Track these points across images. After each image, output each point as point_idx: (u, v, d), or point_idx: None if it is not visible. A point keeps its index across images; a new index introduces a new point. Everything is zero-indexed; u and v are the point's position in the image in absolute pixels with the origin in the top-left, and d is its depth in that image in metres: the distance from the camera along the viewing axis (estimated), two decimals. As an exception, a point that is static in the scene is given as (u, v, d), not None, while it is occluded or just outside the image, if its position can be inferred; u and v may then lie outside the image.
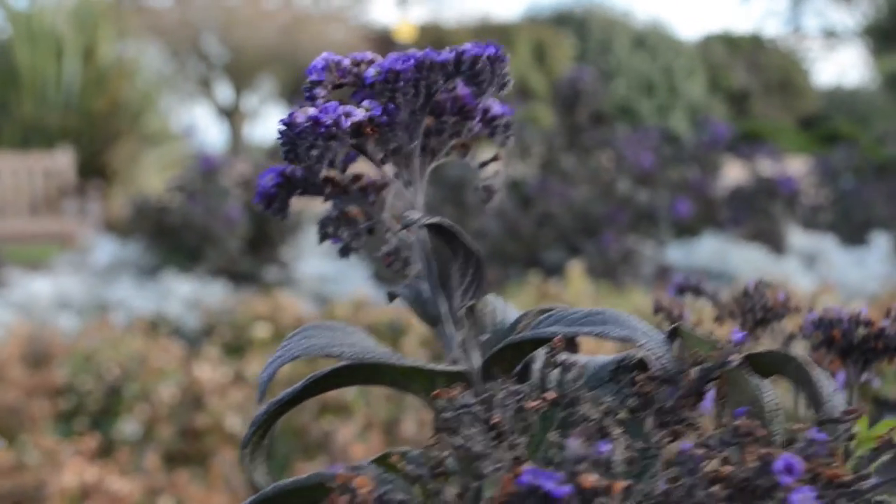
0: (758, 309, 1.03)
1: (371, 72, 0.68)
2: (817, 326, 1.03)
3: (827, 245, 8.08)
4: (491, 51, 0.69)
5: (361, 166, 0.73)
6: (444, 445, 0.55)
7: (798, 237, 8.14)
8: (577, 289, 5.54)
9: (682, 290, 1.19)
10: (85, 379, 3.77)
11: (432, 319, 0.71)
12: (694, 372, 0.61)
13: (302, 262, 6.67)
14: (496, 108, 0.73)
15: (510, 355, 0.67)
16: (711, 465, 0.55)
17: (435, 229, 0.69)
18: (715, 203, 8.18)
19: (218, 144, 21.43)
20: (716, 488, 0.53)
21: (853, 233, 8.90)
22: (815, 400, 0.65)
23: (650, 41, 26.10)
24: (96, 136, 11.81)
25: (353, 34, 22.88)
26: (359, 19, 25.25)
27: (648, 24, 27.03)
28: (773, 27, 57.17)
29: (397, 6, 22.30)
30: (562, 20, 26.01)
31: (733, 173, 9.32)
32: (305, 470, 2.11)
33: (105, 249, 6.96)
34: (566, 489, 0.47)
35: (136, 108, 12.37)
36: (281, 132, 0.67)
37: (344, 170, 0.71)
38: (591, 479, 0.48)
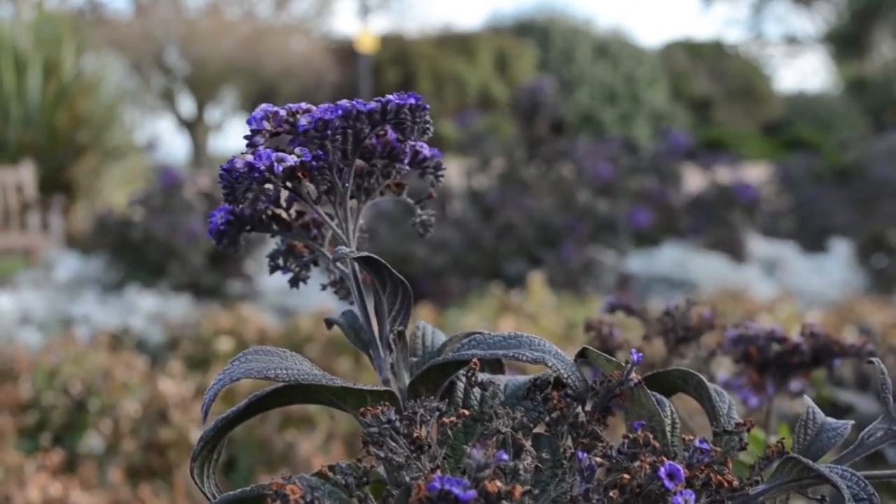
0: (679, 328, 1.10)
1: (303, 121, 0.74)
2: (735, 343, 1.10)
3: (787, 252, 8.18)
4: (412, 101, 0.76)
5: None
6: (371, 457, 0.61)
7: (758, 245, 8.24)
8: (538, 299, 5.60)
9: (613, 308, 1.25)
10: (49, 394, 3.78)
11: (364, 344, 0.77)
12: (599, 390, 0.67)
13: (265, 276, 6.70)
14: (425, 151, 0.79)
15: (435, 376, 0.74)
16: (613, 474, 0.61)
17: (364, 262, 0.75)
18: (675, 212, 8.26)
19: (181, 157, 21.41)
20: (614, 494, 0.59)
21: (813, 240, 9.01)
22: (711, 414, 0.71)
23: (612, 49, 26.26)
24: (59, 150, 11.77)
25: (314, 45, 22.93)
26: (321, 30, 25.29)
27: (610, 32, 27.19)
28: (734, 34, 57.61)
29: (359, 17, 22.34)
30: (524, 29, 26.14)
31: (694, 182, 9.42)
32: (269, 481, 2.16)
33: (68, 265, 6.97)
34: (471, 494, 0.53)
35: (99, 123, 12.33)
36: (221, 176, 0.74)
37: (289, 208, 0.77)
38: (494, 484, 0.54)
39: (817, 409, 0.73)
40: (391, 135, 0.76)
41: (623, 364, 0.69)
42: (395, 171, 0.78)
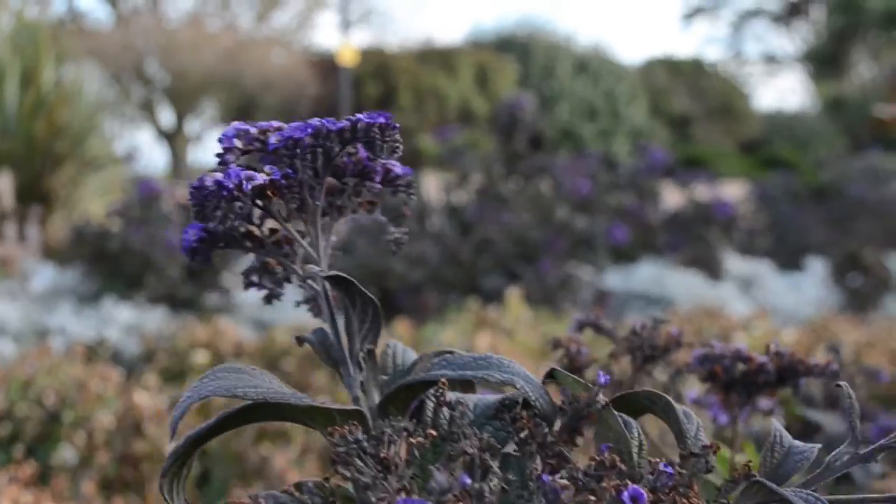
0: (646, 347, 1.10)
1: (273, 139, 0.75)
2: (701, 362, 1.11)
3: (763, 270, 8.22)
4: (381, 120, 0.76)
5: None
6: (338, 476, 0.61)
7: (735, 262, 8.27)
8: (515, 315, 5.60)
9: (582, 326, 1.26)
10: (22, 405, 3.76)
11: (335, 362, 0.78)
12: (568, 411, 0.68)
13: (242, 289, 6.66)
14: (397, 169, 0.80)
15: (404, 395, 0.74)
16: (580, 496, 0.61)
17: (335, 281, 0.75)
18: (653, 229, 8.29)
19: (160, 168, 21.36)
20: (579, 515, 0.59)
21: (789, 258, 9.06)
22: (679, 436, 0.72)
23: (593, 66, 26.34)
24: (36, 160, 11.72)
25: (295, 58, 22.92)
26: (301, 43, 25.30)
27: (591, 49, 27.29)
28: (714, 52, 57.85)
29: (340, 30, 22.36)
30: (505, 45, 26.20)
31: (672, 199, 9.46)
32: (243, 496, 2.16)
33: (43, 276, 6.94)
34: (435, 515, 0.53)
35: (78, 133, 12.29)
36: (191, 194, 0.74)
37: (262, 225, 0.78)
38: (459, 506, 0.54)
39: (784, 433, 0.74)
40: (362, 153, 0.77)
41: (591, 385, 0.70)
42: (367, 190, 0.78)
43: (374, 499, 0.58)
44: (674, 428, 0.72)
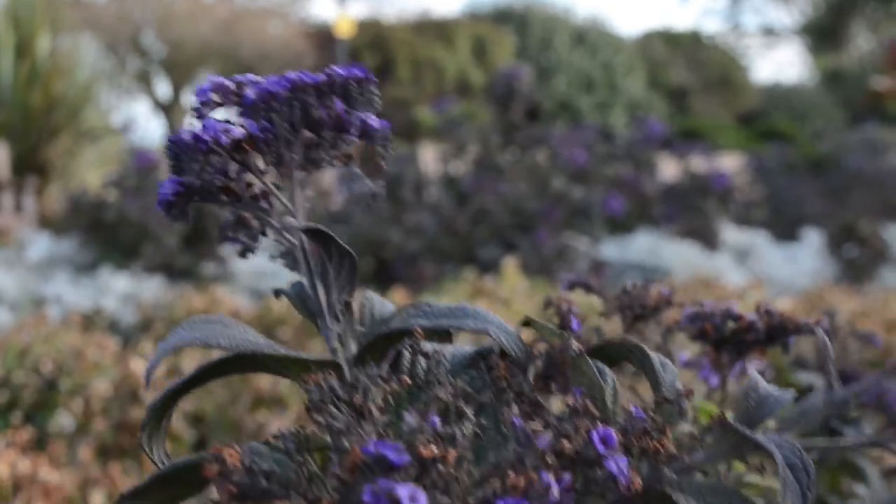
0: (636, 305, 1.11)
1: (250, 93, 0.75)
2: (692, 320, 1.12)
3: (759, 241, 8.23)
4: (358, 73, 0.77)
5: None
6: (313, 424, 0.62)
7: (731, 233, 8.28)
8: (511, 285, 5.61)
9: (572, 286, 1.26)
10: (19, 373, 3.77)
11: (312, 314, 0.79)
12: (541, 359, 0.69)
13: (239, 258, 6.67)
14: (373, 122, 0.80)
15: (381, 346, 0.75)
16: (553, 441, 0.62)
17: (311, 233, 0.76)
18: (649, 200, 8.30)
19: (157, 140, 21.32)
20: (550, 459, 0.60)
21: (786, 229, 9.07)
22: (654, 383, 0.72)
23: (590, 38, 26.25)
24: (32, 131, 11.70)
25: (292, 29, 22.85)
26: (298, 14, 25.20)
27: (588, 21, 27.19)
28: (712, 24, 57.72)
29: (337, 2, 22.26)
30: (502, 16, 26.11)
31: (669, 171, 9.45)
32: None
33: (40, 245, 6.94)
34: (405, 458, 0.54)
35: (74, 104, 12.27)
36: (167, 147, 0.75)
37: (238, 179, 0.78)
38: (430, 449, 0.55)
39: (760, 380, 0.75)
40: (339, 107, 0.77)
41: (565, 333, 0.70)
42: (344, 143, 0.79)
43: (347, 444, 0.59)
44: (649, 376, 0.73)
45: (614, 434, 0.58)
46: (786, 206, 9.51)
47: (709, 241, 7.81)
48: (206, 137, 0.73)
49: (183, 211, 0.79)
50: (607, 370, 0.72)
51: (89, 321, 5.13)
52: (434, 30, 24.10)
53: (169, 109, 23.61)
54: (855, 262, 7.45)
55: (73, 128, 12.28)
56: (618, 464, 0.58)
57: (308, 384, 0.62)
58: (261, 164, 0.76)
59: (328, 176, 9.82)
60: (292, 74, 0.75)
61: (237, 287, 6.31)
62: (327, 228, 0.74)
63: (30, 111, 11.77)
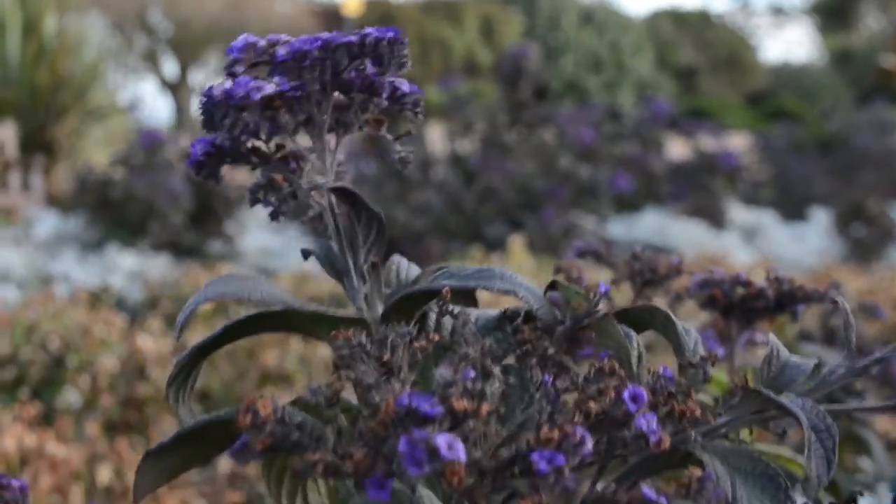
0: (646, 271, 1.11)
1: (282, 51, 0.75)
2: (701, 287, 1.11)
3: (767, 220, 8.23)
4: (390, 34, 0.77)
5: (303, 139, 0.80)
6: (341, 381, 0.62)
7: (738, 212, 8.28)
8: (518, 263, 5.61)
9: (582, 253, 1.26)
10: (27, 350, 3.78)
11: (339, 274, 0.79)
12: (568, 321, 0.69)
13: (246, 236, 6.69)
14: (404, 86, 0.80)
15: (407, 306, 0.75)
16: (580, 402, 0.62)
17: (340, 193, 0.76)
18: (656, 178, 8.29)
19: (164, 119, 21.31)
20: (578, 418, 0.60)
21: (793, 208, 9.06)
22: (677, 348, 0.72)
23: (598, 17, 26.16)
24: (40, 110, 11.69)
25: (299, 8, 22.82)
26: (306, -7, 25.14)
27: (596, 1, 27.10)
28: (720, 4, 57.58)
29: (345, -19, 22.20)
30: (510, -4, 26.02)
31: (678, 150, 9.45)
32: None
33: (47, 223, 6.95)
34: (438, 410, 0.54)
35: (81, 83, 12.25)
36: (201, 103, 0.75)
37: (268, 141, 0.78)
38: (462, 402, 0.55)
39: (781, 347, 0.75)
40: (370, 69, 0.77)
41: (591, 296, 0.70)
42: (374, 106, 0.79)
43: (377, 398, 0.59)
44: (672, 341, 0.73)
45: (645, 393, 0.58)
46: (793, 186, 9.50)
47: (716, 219, 7.81)
48: (238, 93, 0.73)
49: (213, 172, 0.79)
50: (633, 333, 0.72)
51: (96, 299, 5.13)
52: (442, 9, 24.04)
53: (176, 88, 23.59)
54: (862, 241, 7.44)
55: (80, 107, 12.27)
56: (648, 421, 0.58)
57: (337, 340, 0.62)
58: (290, 124, 0.76)
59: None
60: (325, 34, 0.75)
61: (244, 265, 6.31)
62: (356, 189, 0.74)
63: (37, 90, 11.76)
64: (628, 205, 7.90)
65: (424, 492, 0.73)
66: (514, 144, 7.48)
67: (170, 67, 23.81)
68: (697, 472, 0.55)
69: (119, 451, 3.08)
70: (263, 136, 0.77)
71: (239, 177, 6.68)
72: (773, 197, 9.24)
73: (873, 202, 7.62)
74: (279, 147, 0.78)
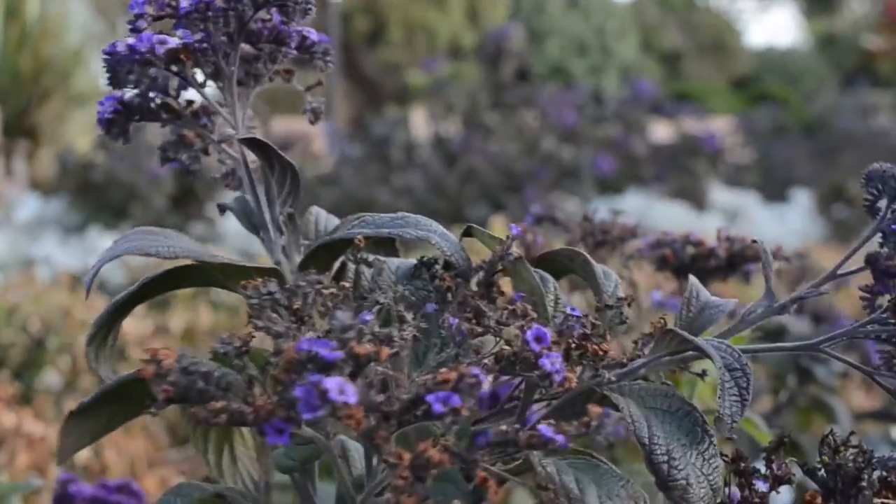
0: (597, 232, 1.12)
1: (185, 3, 0.75)
2: (653, 248, 1.12)
3: (749, 201, 8.24)
4: (293, -19, 0.77)
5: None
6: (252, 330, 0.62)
7: (721, 194, 8.29)
8: (499, 243, 5.60)
9: (539, 219, 1.27)
10: (7, 332, 3.78)
11: (255, 227, 0.79)
12: (483, 266, 0.69)
13: (228, 219, 6.66)
14: (313, 35, 0.80)
15: (324, 256, 0.75)
16: (494, 345, 0.63)
17: (251, 144, 0.76)
18: (639, 160, 8.30)
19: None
20: (489, 361, 0.61)
21: (775, 190, 9.07)
22: (595, 290, 0.73)
23: (583, 2, 26.08)
24: (22, 95, 11.63)
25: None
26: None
27: (582, -15, 27.01)
28: (706, -12, 57.41)
29: (330, -35, 22.11)
30: (495, -20, 25.94)
31: (662, 133, 9.45)
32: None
33: (28, 206, 6.93)
34: (337, 354, 0.55)
35: (64, 67, 12.19)
36: (104, 60, 0.75)
37: (178, 97, 0.78)
38: (364, 347, 0.56)
39: (702, 288, 0.75)
40: (276, 18, 0.77)
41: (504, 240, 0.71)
42: (283, 56, 0.79)
43: (286, 346, 0.59)
44: (591, 284, 0.73)
45: (549, 333, 0.59)
46: (776, 168, 9.51)
47: (698, 201, 7.82)
48: (141, 48, 0.73)
49: (123, 130, 0.79)
50: (550, 278, 0.73)
51: (77, 281, 5.12)
52: (426, -7, 23.95)
53: (160, 74, 23.48)
54: (844, 222, 7.46)
55: (63, 92, 12.22)
56: (552, 361, 0.58)
57: (247, 290, 0.62)
58: (200, 78, 0.76)
59: (318, 141, 9.79)
60: (227, -18, 0.75)
61: (225, 247, 6.30)
62: (267, 140, 0.74)
63: (19, 75, 11.70)
64: (611, 187, 7.90)
65: (352, 443, 0.74)
66: (496, 125, 7.47)
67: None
68: (598, 409, 0.56)
69: (96, 430, 3.08)
70: (173, 92, 0.77)
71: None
72: (755, 179, 9.25)
73: (854, 184, 7.62)
74: (189, 102, 0.78)
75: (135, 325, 3.84)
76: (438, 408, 0.54)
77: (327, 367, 0.55)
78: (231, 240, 6.47)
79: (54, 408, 3.37)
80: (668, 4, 29.71)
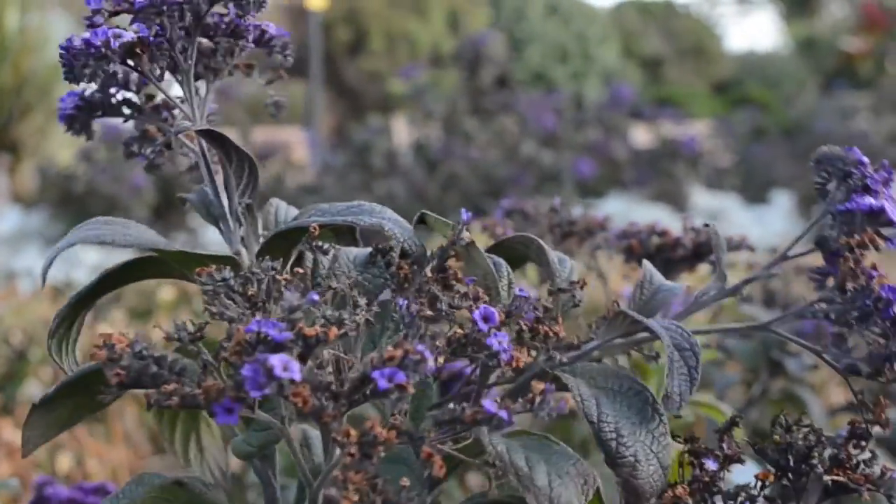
0: (564, 224, 1.13)
1: (140, -1, 0.76)
2: (620, 238, 1.13)
3: (729, 204, 8.27)
4: (245, -25, 0.77)
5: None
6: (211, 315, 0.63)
7: (701, 197, 8.32)
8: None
9: (509, 213, 1.28)
10: (-12, 345, 3.77)
11: (215, 219, 0.80)
12: (436, 252, 0.70)
13: (209, 228, 6.65)
14: (271, 29, 0.81)
15: (281, 245, 0.76)
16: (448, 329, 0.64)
17: (208, 136, 0.77)
18: (619, 164, 8.32)
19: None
20: (440, 343, 0.62)
21: (756, 192, 9.11)
22: (549, 274, 0.74)
23: (564, 8, 26.11)
24: (3, 109, 11.60)
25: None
26: (271, -12, 25.00)
27: (562, -9, 27.05)
28: (686, -6, 57.56)
29: (310, -25, 22.10)
30: (476, -12, 25.97)
31: (641, 137, 9.48)
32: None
33: (9, 219, 6.92)
34: (286, 335, 0.56)
35: (45, 81, 12.16)
36: (61, 55, 0.75)
37: (139, 91, 0.79)
38: (313, 329, 0.57)
39: (655, 272, 0.77)
40: (232, 12, 0.78)
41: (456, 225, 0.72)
42: (240, 50, 0.79)
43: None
44: (545, 269, 0.74)
45: (496, 312, 0.60)
46: (756, 170, 9.55)
47: (679, 204, 7.84)
48: (97, 42, 0.74)
49: (84, 125, 0.80)
50: (504, 263, 0.74)
51: (59, 293, 5.11)
52: (407, 2, 23.96)
53: (142, 86, 23.43)
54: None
55: (44, 105, 12.18)
56: (499, 340, 0.60)
57: (202, 276, 0.63)
58: (156, 72, 0.77)
59: (300, 150, 9.79)
60: (181, -21, 0.76)
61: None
62: (223, 132, 0.75)
63: (0, 89, 11.66)
64: (592, 191, 7.92)
65: (313, 433, 0.75)
66: (476, 132, 7.48)
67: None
68: (540, 386, 0.57)
69: (79, 438, 3.08)
70: (133, 87, 0.78)
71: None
72: (735, 181, 9.29)
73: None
74: (149, 97, 0.79)
75: (116, 334, 3.84)
76: (383, 384, 0.55)
77: (277, 349, 0.56)
78: (211, 249, 6.47)
79: (37, 419, 3.36)
80: (648, 10, 29.79)
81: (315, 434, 0.74)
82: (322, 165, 7.84)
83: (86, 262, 5.77)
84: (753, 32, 42.10)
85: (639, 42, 28.08)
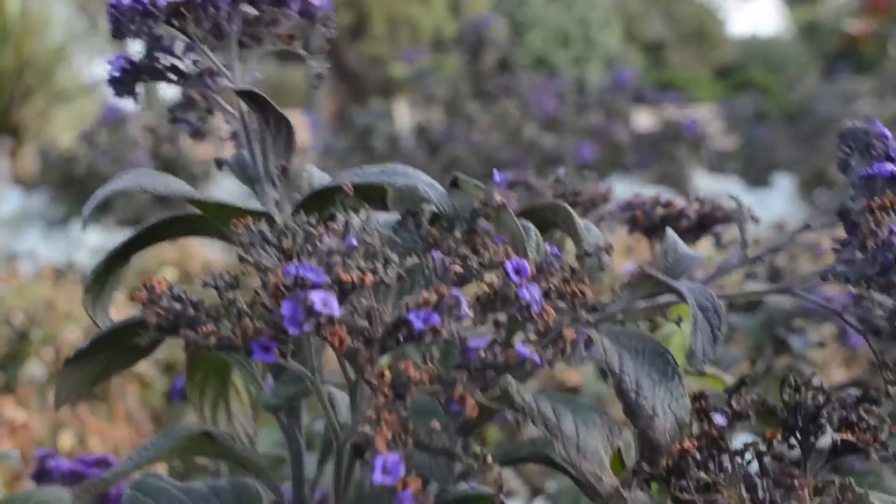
0: (569, 194, 1.14)
1: (187, -39, 0.77)
2: (624, 210, 1.14)
3: (731, 187, 8.27)
4: (294, -58, 0.79)
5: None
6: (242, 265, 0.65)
7: (703, 180, 8.32)
8: (483, 231, 5.62)
9: (512, 184, 1.29)
10: (-11, 325, 3.79)
11: (250, 180, 0.81)
12: (467, 214, 0.72)
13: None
14: (315, 0, 0.82)
15: (315, 205, 0.78)
16: (475, 286, 0.65)
17: (248, 97, 0.78)
18: (621, 148, 8.32)
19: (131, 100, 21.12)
20: (471, 299, 0.63)
21: (758, 175, 9.11)
22: (575, 239, 0.75)
23: (565, -7, 26.08)
24: (5, 93, 11.60)
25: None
26: (272, -28, 24.97)
27: (563, -24, 27.00)
28: (687, -22, 57.39)
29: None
30: (477, -28, 25.93)
31: (643, 120, 9.48)
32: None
33: (11, 200, 6.93)
34: (324, 278, 0.57)
35: (46, 65, 12.16)
36: (107, 11, 0.77)
37: (183, 58, 0.80)
38: (348, 274, 0.58)
39: (679, 241, 0.78)
40: (279, -21, 0.79)
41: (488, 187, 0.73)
42: (284, 19, 0.80)
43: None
44: (573, 235, 0.76)
45: (528, 265, 0.61)
46: (758, 153, 9.55)
47: (681, 187, 7.84)
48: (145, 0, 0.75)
49: (129, 88, 0.81)
50: (532, 226, 0.75)
51: (61, 274, 5.12)
52: (408, -14, 23.92)
53: (142, 70, 23.41)
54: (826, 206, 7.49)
55: (46, 89, 12.18)
56: (531, 292, 0.61)
57: (238, 228, 0.64)
58: (200, 36, 0.78)
59: (302, 134, 9.78)
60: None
61: (209, 240, 6.31)
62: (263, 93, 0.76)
63: (1, 73, 11.66)
64: (594, 173, 7.92)
65: (338, 393, 0.76)
66: (477, 115, 7.48)
67: (136, 48, 23.65)
68: (572, 332, 0.58)
69: (81, 417, 3.10)
70: (179, 53, 0.79)
71: (202, 152, 6.67)
72: (737, 165, 9.29)
73: (835, 168, 7.65)
74: (194, 62, 0.80)
75: (117, 315, 3.84)
76: (419, 325, 0.56)
77: (313, 290, 0.57)
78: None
79: (38, 398, 3.38)
80: (650, -6, 29.77)
81: (340, 395, 0.75)
82: (324, 149, 7.85)
83: (87, 243, 5.78)
84: (756, 17, 41.97)
85: (641, 26, 28.05)
